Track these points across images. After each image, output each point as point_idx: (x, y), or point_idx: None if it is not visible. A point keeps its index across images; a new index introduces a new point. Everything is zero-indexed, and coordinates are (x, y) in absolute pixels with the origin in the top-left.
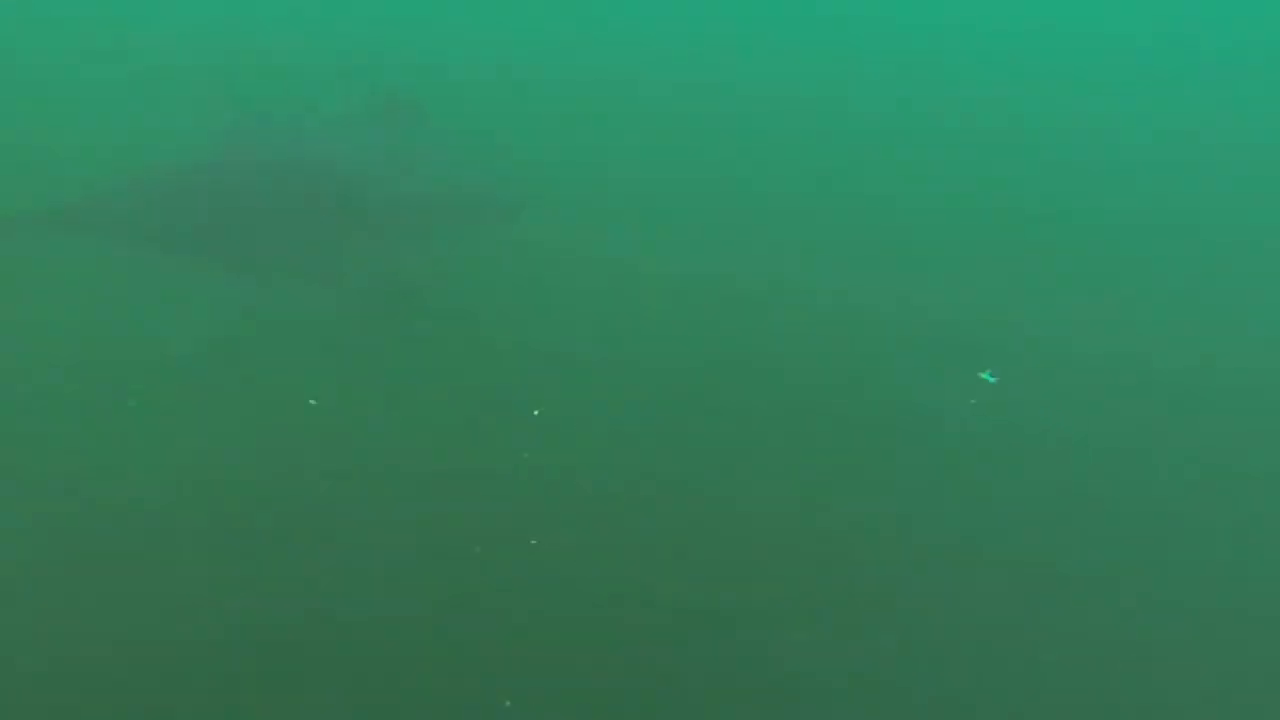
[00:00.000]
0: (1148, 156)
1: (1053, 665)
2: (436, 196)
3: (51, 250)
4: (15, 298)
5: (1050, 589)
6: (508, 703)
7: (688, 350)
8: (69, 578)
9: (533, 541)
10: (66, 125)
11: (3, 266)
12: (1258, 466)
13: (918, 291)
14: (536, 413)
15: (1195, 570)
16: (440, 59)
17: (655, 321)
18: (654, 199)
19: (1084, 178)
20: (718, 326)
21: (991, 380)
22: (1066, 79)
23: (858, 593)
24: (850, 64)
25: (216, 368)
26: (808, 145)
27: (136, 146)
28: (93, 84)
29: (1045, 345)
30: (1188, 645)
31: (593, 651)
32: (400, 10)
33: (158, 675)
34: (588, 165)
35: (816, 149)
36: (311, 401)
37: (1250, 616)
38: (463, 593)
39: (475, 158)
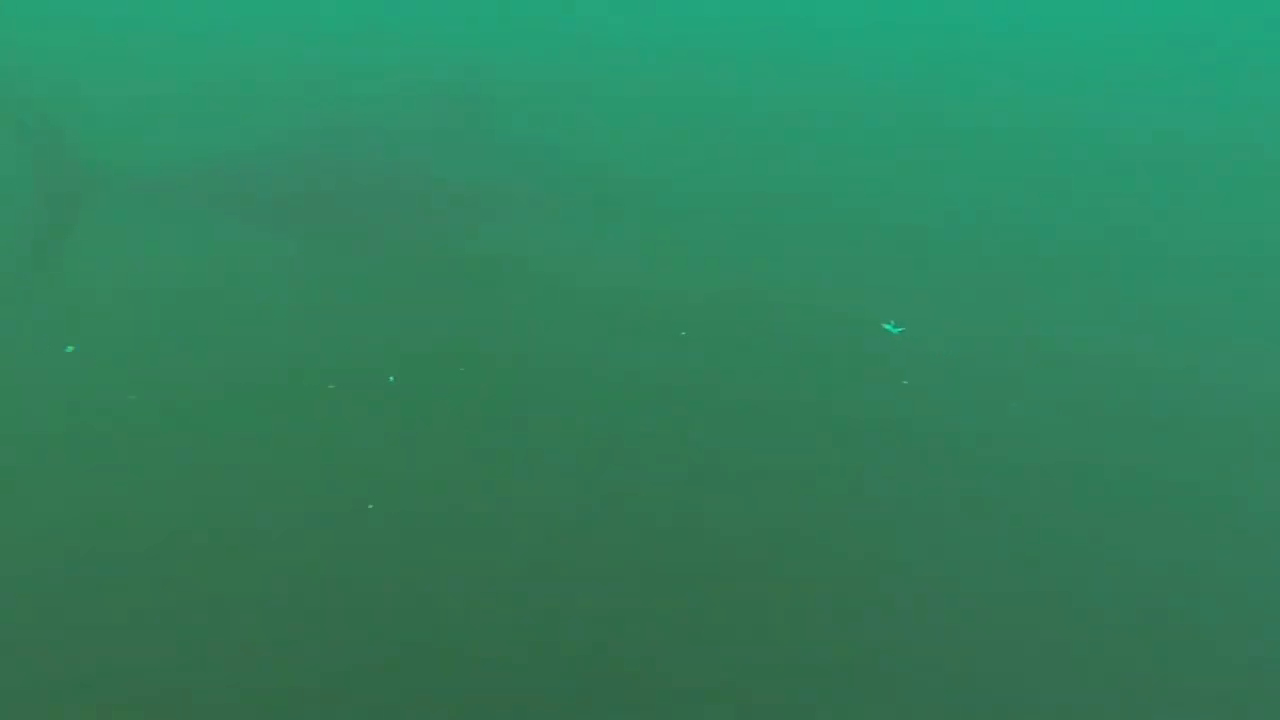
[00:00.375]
0: (1127, 164)
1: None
2: (489, 189)
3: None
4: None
5: (1022, 591)
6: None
7: (692, 351)
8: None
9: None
10: (175, 109)
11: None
12: (1239, 474)
13: (919, 303)
14: (392, 378)
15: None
16: (504, 69)
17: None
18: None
19: (1068, 186)
20: (727, 330)
21: (896, 331)
22: (1054, 88)
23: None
24: (864, 75)
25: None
26: (848, 157)
27: (228, 130)
28: (197, 74)
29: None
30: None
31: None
32: (472, 25)
33: None
34: (632, 172)
35: (851, 162)
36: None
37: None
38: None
39: (527, 157)
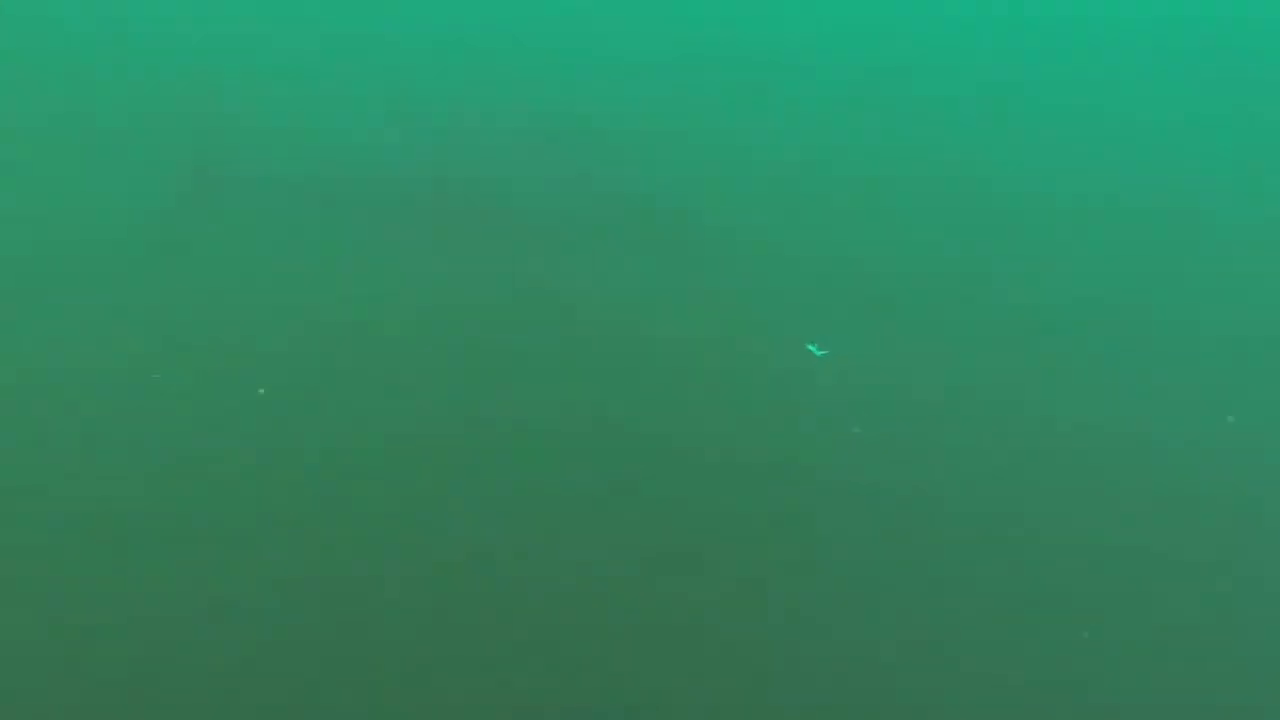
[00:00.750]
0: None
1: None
2: (581, 213)
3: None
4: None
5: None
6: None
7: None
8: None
9: None
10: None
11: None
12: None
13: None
14: (261, 391)
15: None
16: (603, 98)
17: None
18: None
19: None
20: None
21: (819, 353)
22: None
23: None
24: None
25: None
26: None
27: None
28: (301, 80)
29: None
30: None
31: None
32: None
33: None
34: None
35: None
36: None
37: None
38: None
39: (625, 183)
